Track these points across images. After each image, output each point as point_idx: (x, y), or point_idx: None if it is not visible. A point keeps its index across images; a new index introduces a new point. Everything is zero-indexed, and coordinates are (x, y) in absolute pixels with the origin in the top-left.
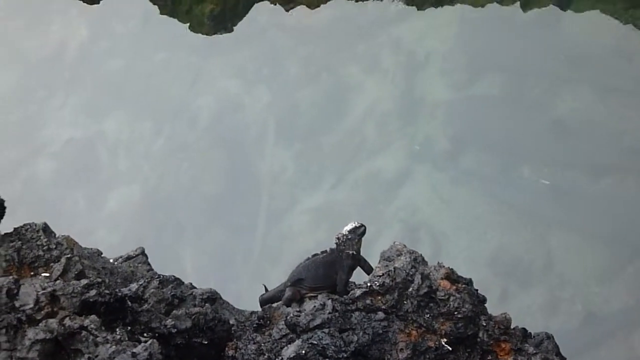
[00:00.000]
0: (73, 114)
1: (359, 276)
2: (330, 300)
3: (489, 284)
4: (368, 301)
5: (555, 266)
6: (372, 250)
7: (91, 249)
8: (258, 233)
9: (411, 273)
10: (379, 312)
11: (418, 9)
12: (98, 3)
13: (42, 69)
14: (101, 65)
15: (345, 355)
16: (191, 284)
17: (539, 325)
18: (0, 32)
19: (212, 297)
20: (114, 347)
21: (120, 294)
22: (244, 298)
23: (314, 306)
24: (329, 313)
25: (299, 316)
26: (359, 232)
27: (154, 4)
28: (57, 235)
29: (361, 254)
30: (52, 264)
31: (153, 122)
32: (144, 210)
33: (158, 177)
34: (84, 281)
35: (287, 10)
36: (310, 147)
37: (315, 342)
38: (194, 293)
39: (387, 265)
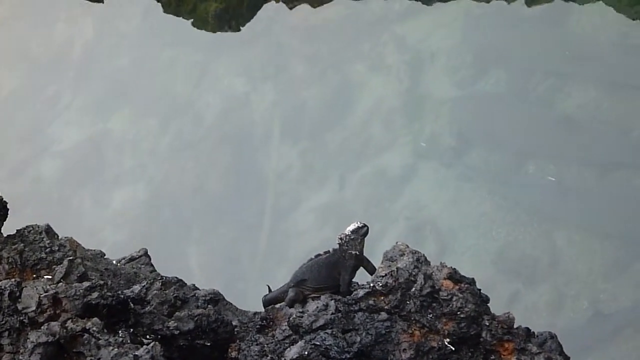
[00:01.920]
0: (79, 113)
1: (362, 277)
2: (333, 301)
3: (494, 282)
4: (371, 302)
5: (561, 263)
6: (378, 248)
7: (94, 250)
8: (264, 231)
9: (414, 273)
10: (382, 313)
11: (423, 3)
12: (102, 2)
13: (47, 68)
14: (107, 64)
15: (348, 356)
16: (194, 285)
17: (546, 322)
18: (6, 32)
19: (215, 299)
20: (116, 349)
21: (122, 296)
22: (250, 297)
23: (317, 307)
24: (332, 314)
25: (302, 317)
26: (361, 233)
27: (158, 1)
28: (59, 237)
29: (365, 252)
30: (54, 266)
31: (158, 120)
32: (150, 209)
33: (163, 175)
34: (86, 283)
35: (290, 8)
36: (316, 145)
37: (318, 343)
38: (196, 294)
39: (389, 266)
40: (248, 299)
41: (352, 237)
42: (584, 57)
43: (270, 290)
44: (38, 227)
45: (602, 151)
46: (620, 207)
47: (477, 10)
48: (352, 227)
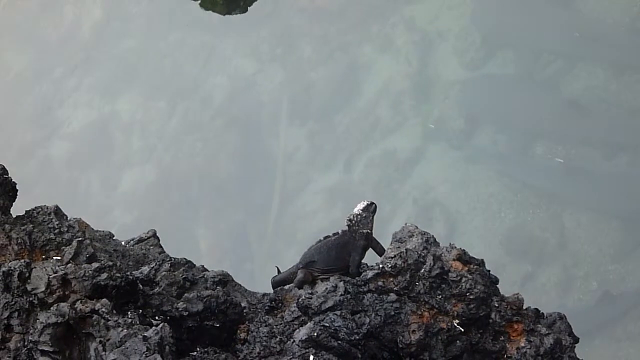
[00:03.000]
0: (87, 95)
1: (371, 258)
2: (342, 282)
3: (503, 263)
4: (380, 283)
5: (569, 244)
6: (387, 230)
7: (103, 231)
8: (272, 213)
9: (423, 254)
10: (391, 294)
11: None
12: None
13: (56, 49)
14: (115, 46)
15: (357, 337)
16: (203, 266)
17: (555, 304)
18: (14, 13)
19: (224, 280)
20: (125, 330)
21: (131, 277)
22: (259, 278)
23: (326, 288)
24: (341, 295)
25: (311, 298)
26: (371, 210)
27: None
28: (68, 218)
29: (374, 234)
30: (63, 247)
31: (167, 102)
32: (158, 191)
33: (172, 157)
34: (95, 264)
35: None
36: (324, 126)
37: (327, 325)
38: (205, 276)
39: (398, 247)
40: (257, 281)
41: (363, 215)
42: (591, 39)
43: (279, 272)
44: (47, 208)
45: (610, 133)
46: (627, 188)
47: None
48: (360, 206)
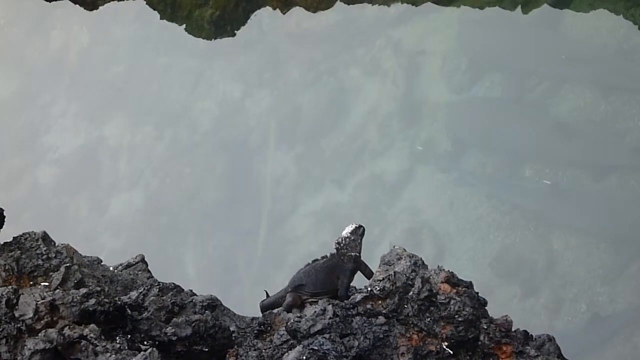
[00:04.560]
0: (75, 120)
1: (359, 281)
2: (330, 306)
3: (492, 285)
4: (369, 306)
5: (558, 266)
6: (375, 253)
7: (91, 257)
8: (261, 237)
9: (411, 277)
10: (380, 317)
11: (416, 6)
12: (97, 8)
13: (43, 75)
14: (102, 71)
15: None
16: (191, 291)
17: (544, 326)
18: (1, 39)
19: (213, 304)
20: (113, 356)
21: (119, 302)
22: (248, 302)
23: (315, 312)
24: (330, 318)
25: (300, 322)
26: (359, 233)
27: (154, 9)
28: (56, 244)
29: (362, 256)
30: (51, 273)
31: (154, 126)
32: (147, 215)
33: (160, 182)
34: (83, 290)
35: (284, 13)
36: (312, 150)
37: (316, 348)
38: (194, 300)
39: (387, 270)
40: (245, 305)
41: (351, 238)
42: (578, 60)
43: (267, 296)
44: (35, 234)
45: (598, 154)
46: (616, 210)
47: (472, 14)
48: (348, 229)
